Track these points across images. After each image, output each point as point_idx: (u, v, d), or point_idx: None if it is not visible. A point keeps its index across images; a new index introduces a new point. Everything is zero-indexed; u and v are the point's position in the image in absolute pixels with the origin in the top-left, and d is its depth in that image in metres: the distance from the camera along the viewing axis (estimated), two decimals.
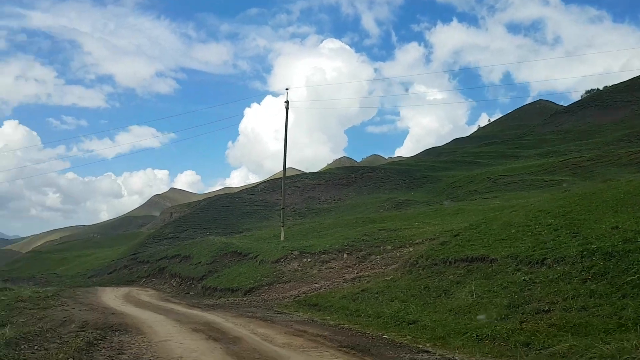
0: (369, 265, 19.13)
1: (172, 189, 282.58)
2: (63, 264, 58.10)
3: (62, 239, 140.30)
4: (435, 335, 8.75)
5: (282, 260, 21.19)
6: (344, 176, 63.50)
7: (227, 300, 18.53)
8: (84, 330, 9.81)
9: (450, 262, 13.16)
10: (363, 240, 22.01)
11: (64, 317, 11.83)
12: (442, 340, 8.43)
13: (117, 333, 9.87)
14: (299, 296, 16.68)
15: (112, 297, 20.78)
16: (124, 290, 26.13)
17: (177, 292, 24.69)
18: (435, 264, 13.60)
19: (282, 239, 29.44)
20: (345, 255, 20.54)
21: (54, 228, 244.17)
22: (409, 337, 9.06)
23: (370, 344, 8.71)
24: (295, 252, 21.57)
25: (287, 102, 31.54)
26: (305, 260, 20.68)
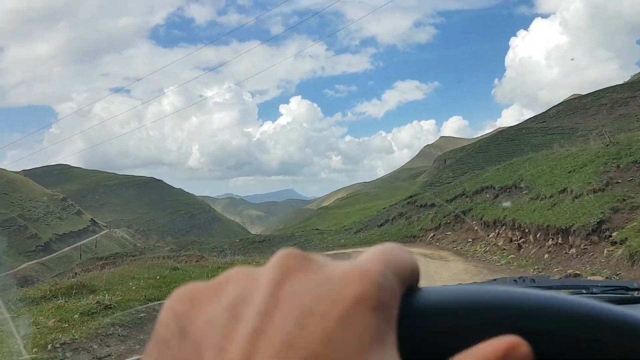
0: None
1: (442, 137, 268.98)
2: (347, 217, 57.24)
3: (349, 196, 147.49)
4: None
5: None
6: None
7: None
8: None
9: None
10: None
11: None
12: None
13: None
14: None
15: None
16: None
17: (525, 263, 9.16)
18: None
19: None
20: None
21: (340, 187, 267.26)
22: None
23: None
24: None
25: None
26: None
